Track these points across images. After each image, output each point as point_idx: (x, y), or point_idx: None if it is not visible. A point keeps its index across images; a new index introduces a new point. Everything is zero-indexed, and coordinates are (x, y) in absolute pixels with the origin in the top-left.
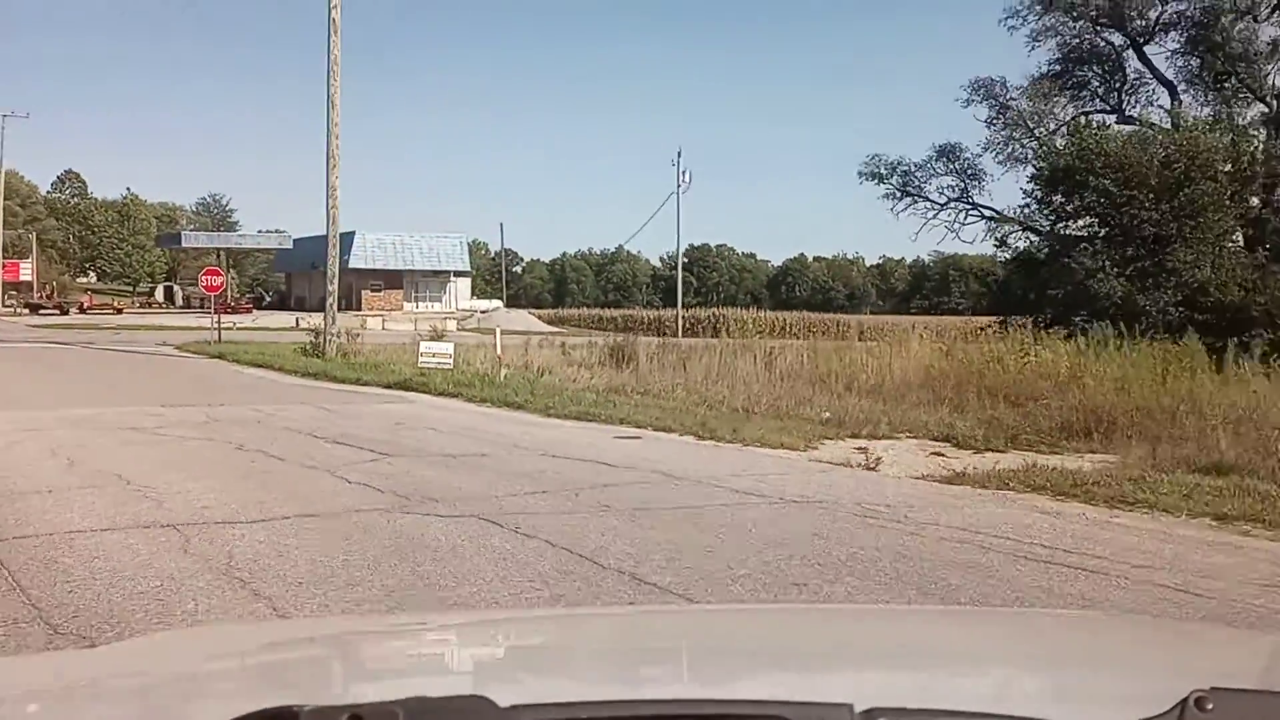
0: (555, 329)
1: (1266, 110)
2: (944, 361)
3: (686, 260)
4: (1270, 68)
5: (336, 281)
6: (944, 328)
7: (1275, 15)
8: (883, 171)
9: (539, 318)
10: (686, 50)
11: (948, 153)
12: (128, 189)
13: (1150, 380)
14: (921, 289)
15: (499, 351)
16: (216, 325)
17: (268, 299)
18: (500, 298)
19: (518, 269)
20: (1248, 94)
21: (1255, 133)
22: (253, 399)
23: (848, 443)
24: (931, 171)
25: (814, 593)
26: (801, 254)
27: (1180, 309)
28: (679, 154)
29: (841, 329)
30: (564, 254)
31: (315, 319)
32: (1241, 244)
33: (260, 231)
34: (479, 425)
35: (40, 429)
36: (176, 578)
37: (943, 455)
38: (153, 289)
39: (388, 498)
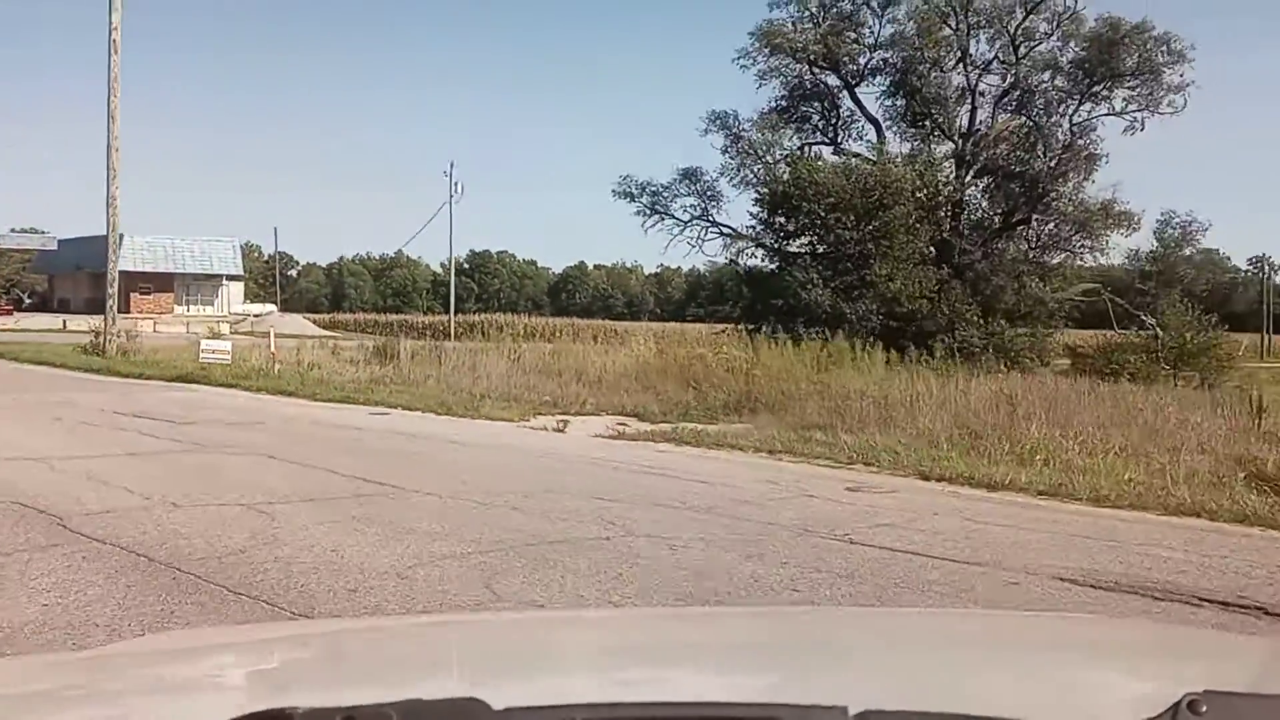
0: (329, 333)
1: (955, 147)
2: (657, 359)
3: (468, 266)
4: (959, 111)
5: (117, 285)
6: (685, 333)
7: (960, 67)
8: (633, 191)
9: (314, 322)
10: (468, 57)
11: (690, 175)
12: None
13: (805, 371)
14: (697, 297)
15: (273, 349)
16: None
17: (27, 301)
18: (275, 302)
19: (293, 273)
20: (940, 133)
21: (945, 166)
22: (51, 388)
23: (556, 417)
24: (676, 192)
25: (478, 487)
26: (582, 262)
27: (880, 316)
28: (451, 166)
29: (608, 333)
30: (341, 258)
31: (83, 321)
32: (934, 259)
33: (14, 230)
34: (256, 406)
35: None
36: (59, 480)
37: (625, 425)
38: None
39: (189, 445)
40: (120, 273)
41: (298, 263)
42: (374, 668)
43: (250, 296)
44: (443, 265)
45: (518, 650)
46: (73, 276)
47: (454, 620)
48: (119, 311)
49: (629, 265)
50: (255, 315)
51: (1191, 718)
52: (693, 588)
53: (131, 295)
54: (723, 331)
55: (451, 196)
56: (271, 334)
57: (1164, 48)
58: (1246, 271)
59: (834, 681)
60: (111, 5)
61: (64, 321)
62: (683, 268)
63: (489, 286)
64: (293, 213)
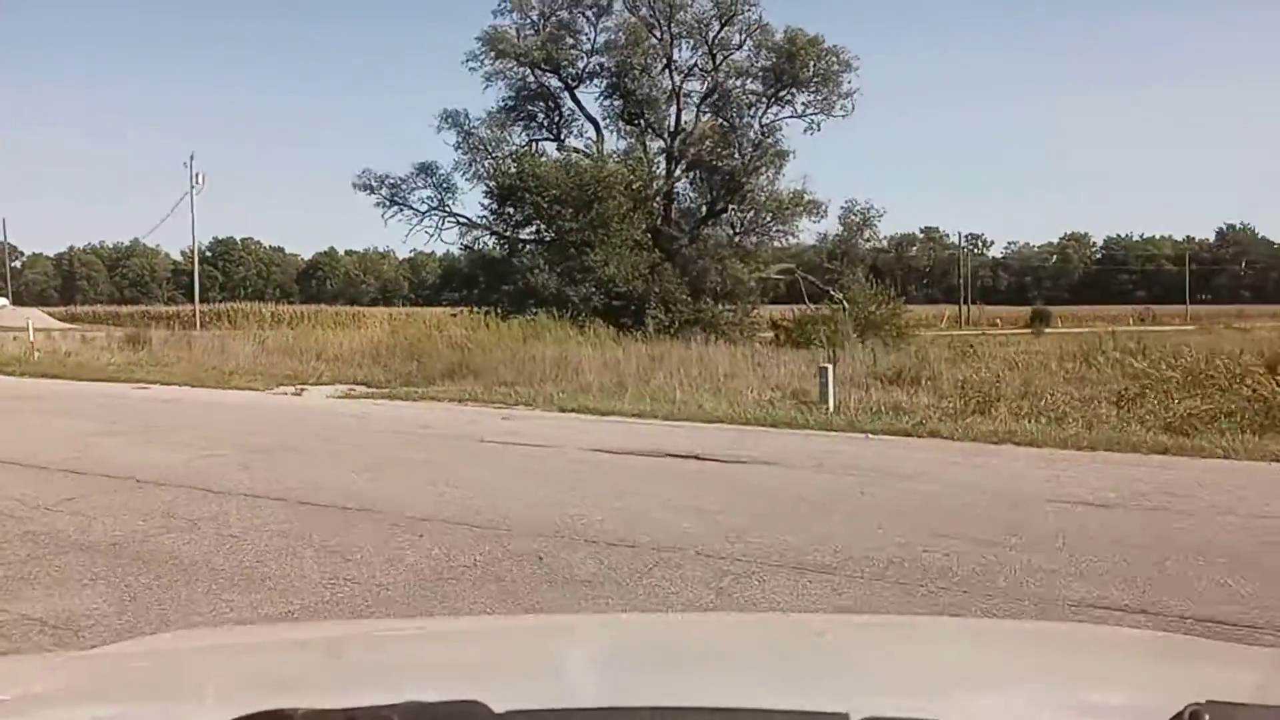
0: (70, 326)
1: (665, 144)
2: (389, 338)
3: (211, 255)
4: (668, 111)
5: None
6: (424, 316)
7: (666, 72)
8: (373, 184)
9: (51, 315)
10: (201, 49)
11: (426, 169)
12: None
13: (512, 344)
14: (451, 282)
15: (31, 339)
16: None
17: None
18: (5, 295)
19: (17, 264)
20: (652, 131)
21: (657, 161)
22: None
23: (296, 386)
24: (414, 185)
25: (230, 427)
26: (332, 248)
27: (601, 297)
28: (192, 158)
29: (352, 318)
30: (72, 248)
31: None
32: (648, 245)
33: None
34: (27, 386)
35: None
36: None
37: (354, 390)
38: None
39: None
40: None
41: (22, 253)
42: (375, 670)
43: None
44: (183, 254)
45: (518, 653)
46: None
47: (455, 623)
48: None
49: (381, 251)
50: None
51: None
52: (370, 459)
53: None
54: (456, 314)
55: (193, 188)
56: (30, 325)
57: (835, 58)
58: (964, 248)
59: (836, 688)
60: None
61: None
62: (436, 252)
63: (234, 274)
64: (17, 200)
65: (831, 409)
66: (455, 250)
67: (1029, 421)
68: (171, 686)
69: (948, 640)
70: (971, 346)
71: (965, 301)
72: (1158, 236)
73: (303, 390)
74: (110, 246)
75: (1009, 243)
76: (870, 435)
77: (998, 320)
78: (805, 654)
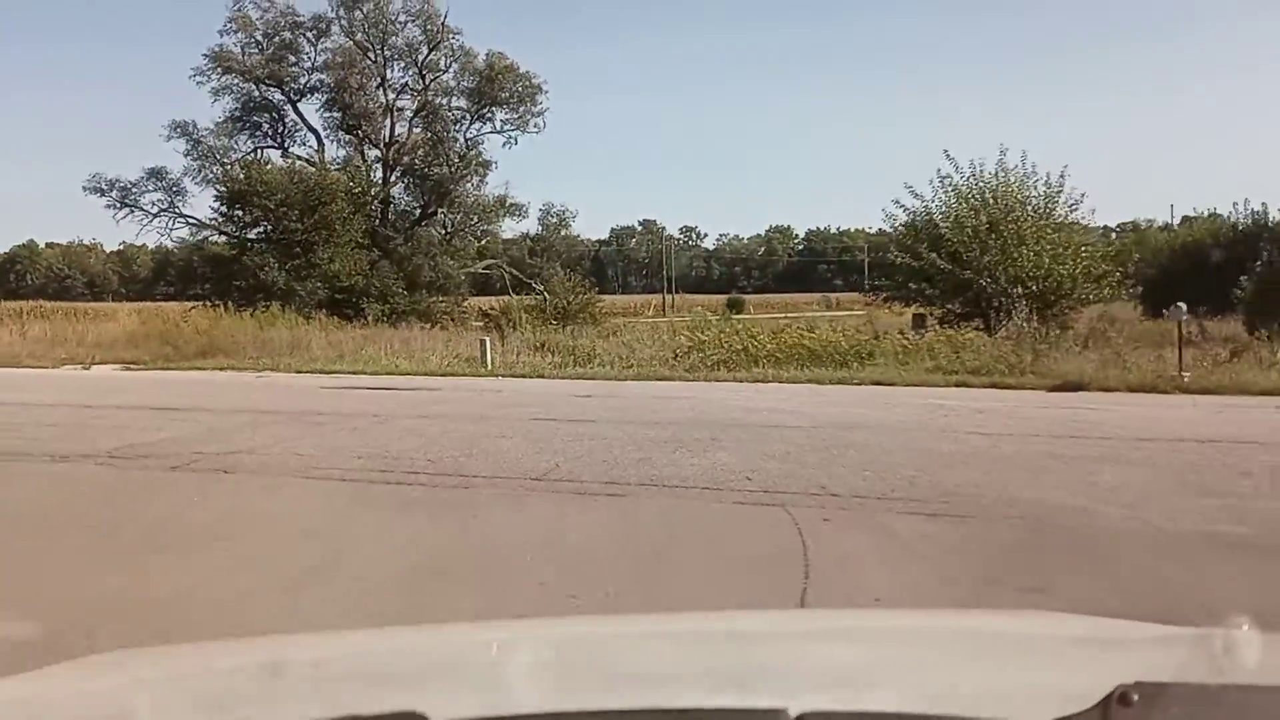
0: None
1: (381, 153)
2: (141, 328)
3: None
4: (383, 123)
5: None
6: (163, 310)
7: (380, 90)
8: (103, 187)
9: None
10: None
11: (157, 174)
12: None
13: (252, 329)
14: (166, 275)
15: None
16: None
17: None
18: None
19: None
20: (370, 141)
21: (375, 168)
22: None
23: (78, 365)
24: (144, 188)
25: (50, 391)
26: (32, 240)
27: (325, 290)
28: None
29: (88, 313)
30: None
31: None
32: (368, 244)
33: None
34: None
35: None
36: None
37: (128, 367)
38: None
39: None
40: None
41: None
42: (312, 685)
43: None
44: None
45: (457, 662)
46: None
47: (393, 634)
48: None
49: (88, 243)
50: None
51: (1122, 710)
52: (203, 396)
53: None
54: (193, 309)
55: None
56: None
57: (528, 82)
58: (679, 239)
59: (773, 684)
60: None
61: None
62: (148, 245)
63: None
64: None
65: (489, 367)
66: (172, 245)
67: (608, 367)
68: (104, 708)
69: (882, 632)
70: (619, 329)
71: (669, 290)
72: (853, 229)
73: (89, 366)
74: None
75: (720, 234)
76: (500, 376)
77: (699, 307)
78: (741, 651)
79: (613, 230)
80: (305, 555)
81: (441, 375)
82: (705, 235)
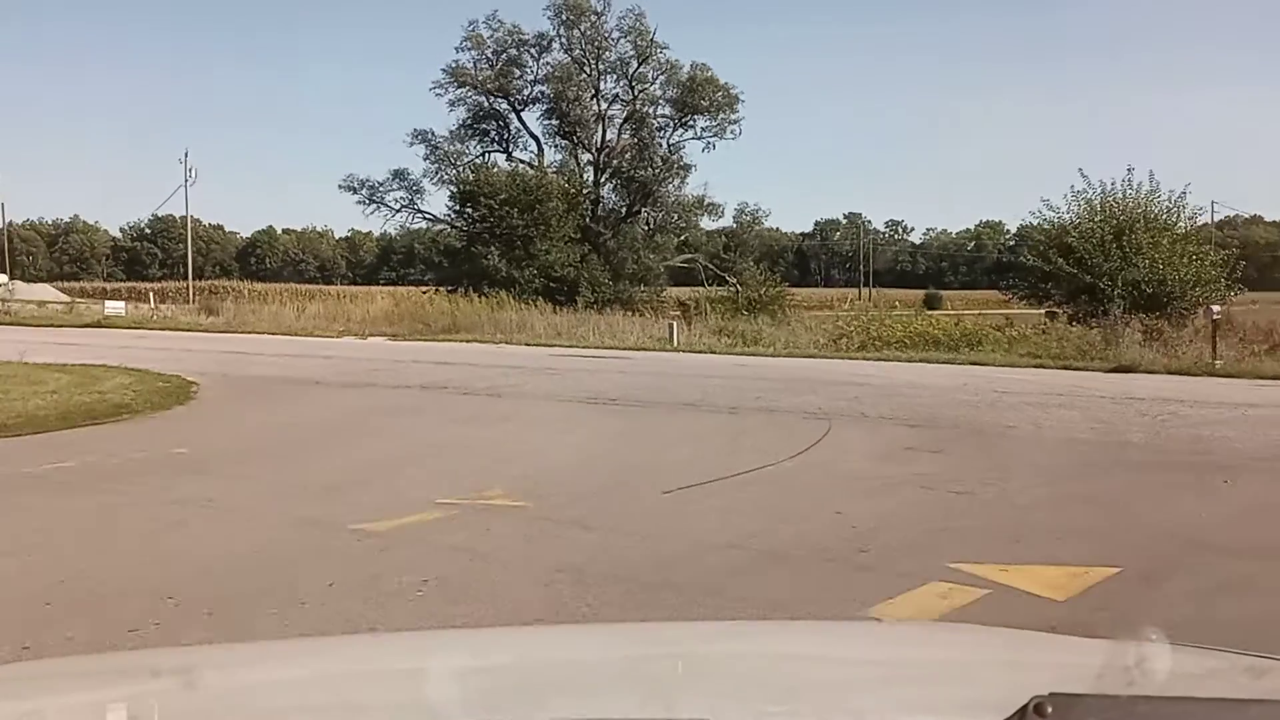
0: (79, 299)
1: (592, 157)
2: (397, 308)
3: (149, 231)
4: (596, 130)
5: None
6: (402, 294)
7: (594, 100)
8: (355, 186)
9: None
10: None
11: (399, 175)
12: None
13: (485, 311)
14: (389, 261)
15: (123, 311)
16: None
17: None
18: (4, 272)
19: None
20: (583, 146)
21: (586, 171)
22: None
23: (354, 336)
24: (390, 187)
25: (341, 357)
26: (270, 226)
27: (541, 280)
28: (186, 154)
29: (347, 296)
30: (10, 223)
31: None
32: (579, 239)
33: None
34: (180, 334)
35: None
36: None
37: (394, 338)
38: None
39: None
40: None
41: None
42: (231, 697)
43: None
44: (123, 230)
45: (379, 673)
46: None
47: (316, 644)
48: None
49: (320, 229)
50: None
51: None
52: (460, 367)
53: None
54: (432, 292)
55: (187, 180)
56: (122, 304)
57: (725, 93)
58: (884, 233)
59: (696, 695)
60: None
61: None
62: (374, 232)
63: (174, 252)
64: None
65: (674, 345)
66: (395, 234)
67: (770, 348)
68: None
69: (802, 643)
70: (796, 319)
71: (864, 284)
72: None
73: (365, 337)
74: (49, 223)
75: (927, 228)
76: (681, 352)
77: (896, 303)
78: (664, 662)
79: (816, 223)
80: (558, 426)
81: (635, 350)
82: (912, 229)
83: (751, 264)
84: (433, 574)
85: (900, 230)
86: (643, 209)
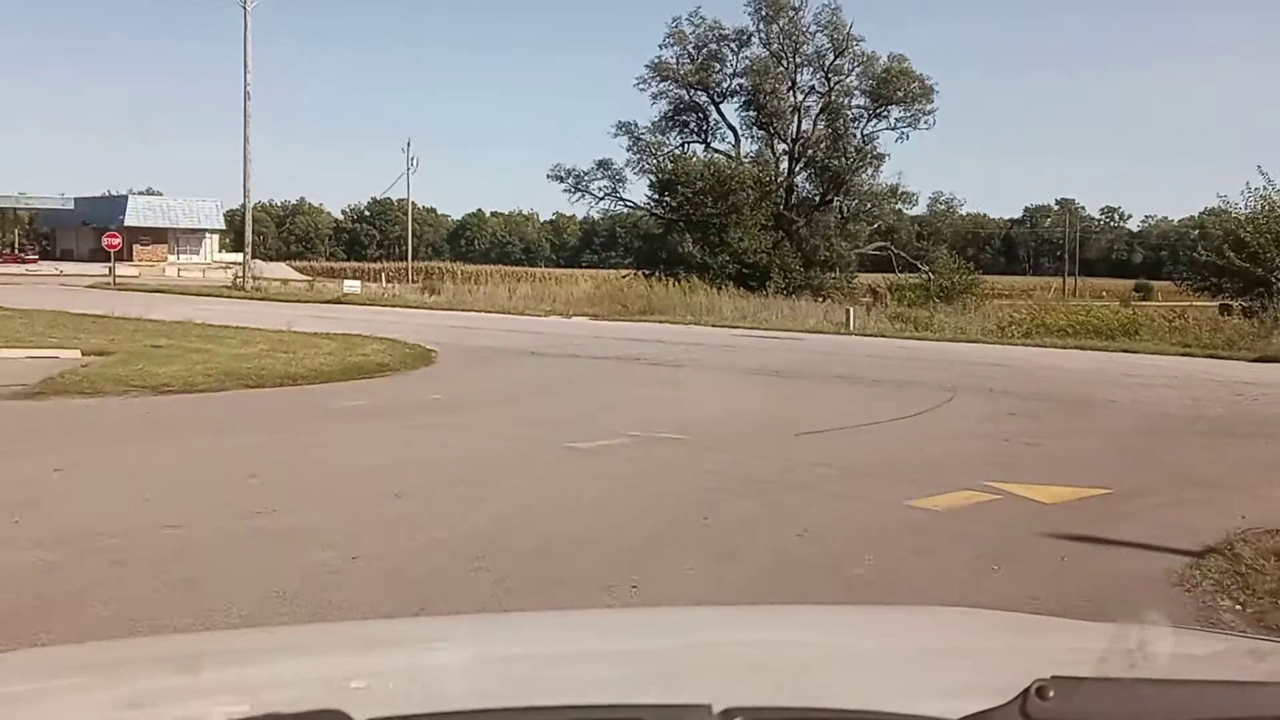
0: (314, 278)
1: (787, 147)
2: (596, 290)
3: (369, 214)
4: (791, 121)
5: (251, 243)
6: (603, 277)
7: (790, 92)
8: (562, 175)
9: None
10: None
11: (603, 165)
12: None
13: (678, 295)
14: (591, 244)
15: (384, 284)
16: (112, 273)
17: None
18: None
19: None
20: (778, 137)
21: (781, 160)
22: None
23: (559, 316)
24: (594, 176)
25: (553, 335)
26: (479, 209)
27: (734, 265)
28: (409, 144)
29: (549, 278)
30: (242, 205)
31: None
32: (772, 226)
33: (20, 195)
34: (407, 311)
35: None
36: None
37: (595, 318)
38: None
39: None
40: (126, 227)
41: None
42: (232, 683)
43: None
44: (344, 211)
45: (380, 659)
46: (77, 230)
47: (315, 631)
48: (125, 260)
49: (525, 213)
50: (236, 264)
51: (1040, 704)
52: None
53: (134, 246)
54: (626, 275)
55: (409, 168)
56: (358, 282)
57: (920, 84)
58: (1098, 220)
59: (698, 679)
60: None
61: (108, 269)
62: (577, 215)
63: (390, 233)
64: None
65: (849, 328)
66: (598, 218)
67: (937, 333)
68: (9, 706)
69: (804, 627)
70: (978, 309)
71: (1068, 273)
72: None
73: (570, 317)
74: (278, 205)
75: (1146, 216)
76: (853, 335)
77: (1103, 293)
78: (667, 647)
79: (1026, 210)
80: (722, 389)
81: (811, 333)
82: (1129, 216)
83: (945, 251)
84: (617, 473)
85: (1117, 217)
86: (836, 198)
